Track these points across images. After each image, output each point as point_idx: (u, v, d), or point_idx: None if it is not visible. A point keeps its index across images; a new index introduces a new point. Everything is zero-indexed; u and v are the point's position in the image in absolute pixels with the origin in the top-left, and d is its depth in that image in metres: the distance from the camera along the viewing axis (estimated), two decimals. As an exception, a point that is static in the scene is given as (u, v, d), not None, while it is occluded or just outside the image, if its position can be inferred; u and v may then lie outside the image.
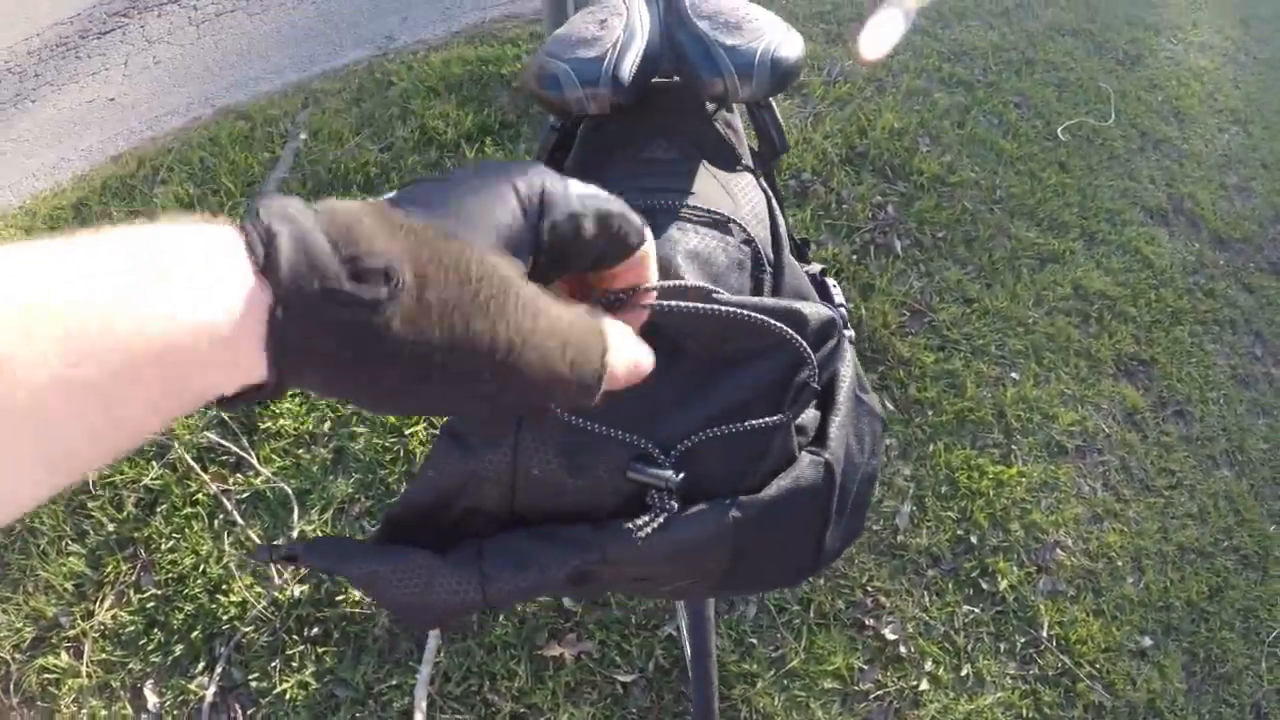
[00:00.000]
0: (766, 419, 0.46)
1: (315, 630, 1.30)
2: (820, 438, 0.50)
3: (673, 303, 0.41)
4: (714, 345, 0.48)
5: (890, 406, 1.66)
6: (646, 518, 0.44)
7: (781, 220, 0.63)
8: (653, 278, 0.35)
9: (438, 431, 0.48)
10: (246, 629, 1.31)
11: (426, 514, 0.47)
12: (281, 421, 1.53)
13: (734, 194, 0.61)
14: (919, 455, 1.60)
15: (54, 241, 0.19)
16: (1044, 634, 1.45)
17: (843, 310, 0.66)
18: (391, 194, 0.27)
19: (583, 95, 0.63)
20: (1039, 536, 1.56)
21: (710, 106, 0.73)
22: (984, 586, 1.48)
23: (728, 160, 0.67)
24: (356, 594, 1.33)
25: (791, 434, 0.47)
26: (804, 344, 0.46)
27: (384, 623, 1.31)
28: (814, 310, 0.49)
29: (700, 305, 0.45)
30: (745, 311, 0.44)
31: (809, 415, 0.51)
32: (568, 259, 0.30)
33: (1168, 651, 1.49)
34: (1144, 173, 2.44)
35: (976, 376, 1.73)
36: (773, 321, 0.45)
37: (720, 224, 0.56)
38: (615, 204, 0.32)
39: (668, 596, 1.19)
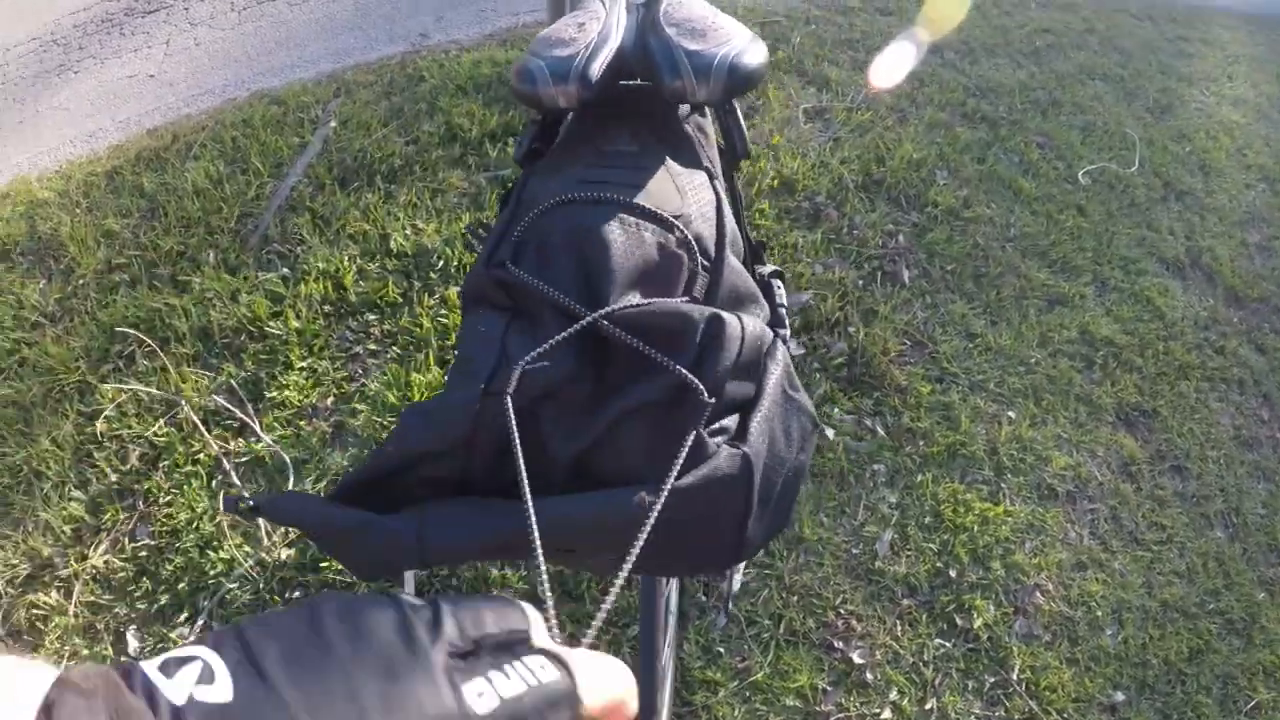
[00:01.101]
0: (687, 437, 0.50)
1: (297, 593, 1.33)
2: (741, 431, 0.53)
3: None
4: (632, 350, 0.53)
5: (881, 433, 1.66)
6: (560, 497, 0.48)
7: (730, 221, 0.67)
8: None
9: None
10: (231, 585, 1.34)
11: (381, 482, 0.52)
12: (287, 393, 1.57)
13: (684, 191, 0.65)
14: (906, 484, 1.60)
15: None
16: (1014, 676, 1.44)
17: (781, 310, 0.71)
18: (242, 640, 0.24)
19: (553, 90, 0.68)
20: (1019, 578, 1.55)
21: (683, 110, 0.78)
22: (958, 622, 1.47)
23: (689, 159, 0.71)
24: (340, 564, 1.36)
25: (701, 440, 0.50)
26: (681, 370, 0.51)
27: (364, 591, 1.34)
28: (699, 312, 0.53)
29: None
30: (621, 333, 0.51)
31: (732, 417, 0.55)
32: None
33: (1139, 709, 1.47)
34: (1164, 223, 2.42)
35: (972, 411, 1.73)
36: (651, 350, 0.51)
37: (662, 221, 0.60)
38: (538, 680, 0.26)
39: (596, 570, 1.22)
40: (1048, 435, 1.76)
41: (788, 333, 0.62)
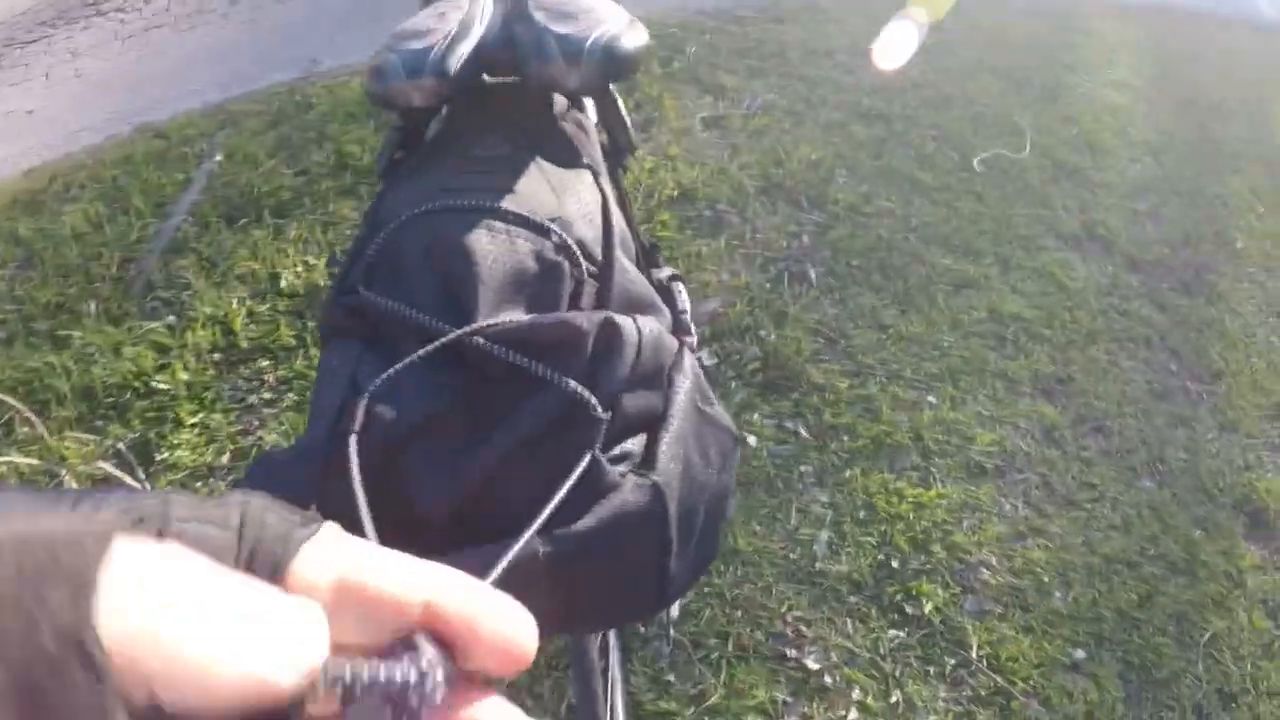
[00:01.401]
0: (580, 466, 0.43)
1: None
2: (649, 457, 0.47)
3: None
4: (509, 370, 0.46)
5: (804, 433, 1.68)
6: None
7: (619, 221, 0.61)
8: None
9: None
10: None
11: None
12: (179, 453, 1.51)
13: (562, 193, 0.60)
14: (836, 481, 1.62)
15: None
16: (974, 654, 1.45)
17: (684, 317, 0.65)
18: None
19: (407, 86, 0.62)
20: (962, 557, 1.58)
21: (560, 105, 0.73)
22: (909, 610, 1.48)
23: (567, 158, 0.66)
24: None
25: (600, 466, 0.44)
26: (571, 384, 0.45)
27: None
28: (589, 319, 0.47)
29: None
30: (496, 349, 0.45)
31: (637, 439, 0.48)
32: None
33: (1102, 662, 1.50)
34: (1058, 201, 2.57)
35: (892, 401, 1.77)
36: (533, 364, 0.45)
37: (535, 226, 0.55)
38: None
39: None
40: (969, 415, 1.81)
41: (694, 340, 0.57)
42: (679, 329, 0.62)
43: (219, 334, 1.69)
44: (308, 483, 0.44)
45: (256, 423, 1.57)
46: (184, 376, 1.61)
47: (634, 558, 0.45)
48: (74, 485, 1.44)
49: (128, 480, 1.45)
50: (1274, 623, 1.62)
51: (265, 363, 1.67)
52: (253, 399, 1.61)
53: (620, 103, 0.76)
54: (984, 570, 1.58)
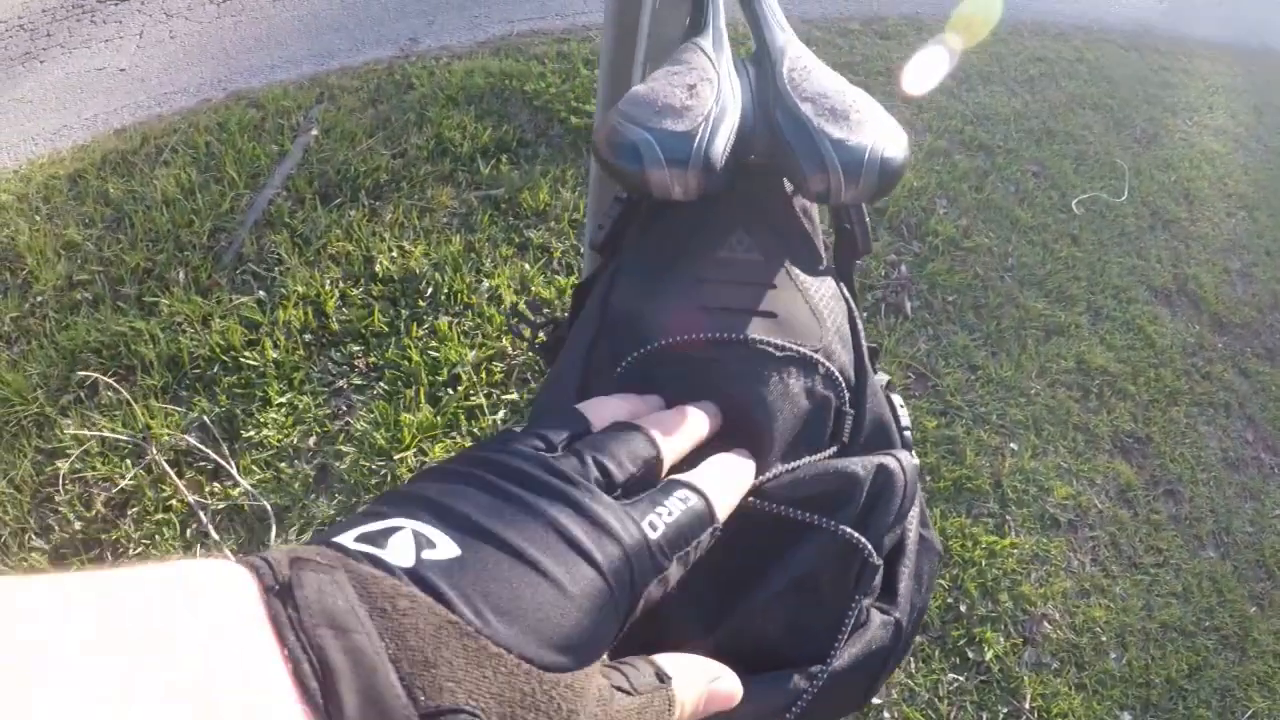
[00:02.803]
0: (847, 611, 0.47)
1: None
2: (889, 592, 0.49)
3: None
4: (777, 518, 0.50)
5: (891, 467, 1.78)
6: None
7: (864, 336, 0.59)
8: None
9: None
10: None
11: None
12: (265, 432, 1.54)
13: (818, 311, 0.57)
14: (916, 518, 1.71)
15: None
16: (1026, 705, 1.55)
17: (907, 434, 0.62)
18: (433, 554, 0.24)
19: (667, 176, 0.57)
20: (1027, 609, 1.67)
21: (788, 188, 0.70)
22: (970, 655, 1.58)
23: (810, 261, 0.63)
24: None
25: (862, 610, 0.47)
26: (850, 533, 0.47)
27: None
28: (864, 466, 0.49)
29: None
30: (782, 508, 0.47)
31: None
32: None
33: (1145, 728, 1.60)
34: (1152, 251, 2.62)
35: (976, 445, 1.86)
36: (809, 515, 0.47)
37: (806, 363, 0.52)
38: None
39: None
40: (1049, 466, 1.90)
41: (916, 462, 0.55)
42: (904, 446, 0.60)
43: (310, 314, 1.71)
44: None
45: (345, 408, 1.61)
46: (273, 355, 1.63)
47: (860, 687, 0.49)
48: (159, 458, 1.48)
49: (212, 455, 1.48)
50: (1318, 708, 1.72)
51: (356, 347, 1.69)
52: (342, 383, 1.64)
53: (865, 206, 0.71)
54: (1046, 624, 1.67)
